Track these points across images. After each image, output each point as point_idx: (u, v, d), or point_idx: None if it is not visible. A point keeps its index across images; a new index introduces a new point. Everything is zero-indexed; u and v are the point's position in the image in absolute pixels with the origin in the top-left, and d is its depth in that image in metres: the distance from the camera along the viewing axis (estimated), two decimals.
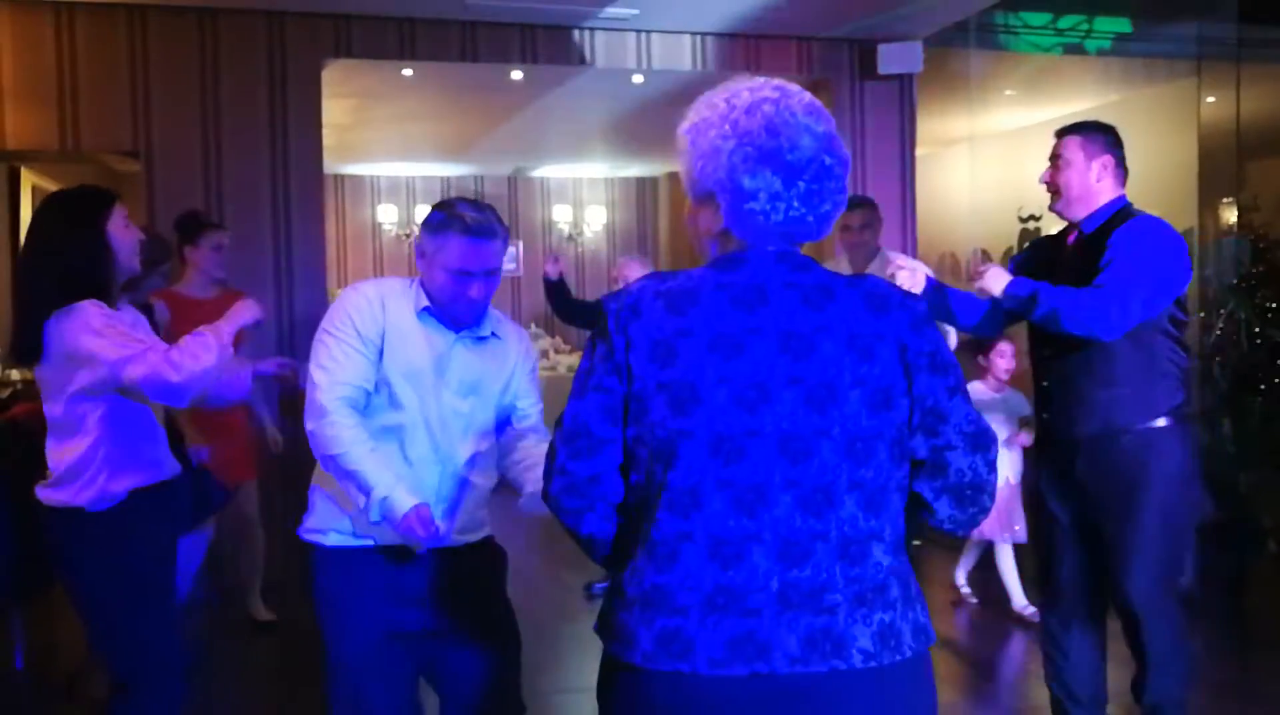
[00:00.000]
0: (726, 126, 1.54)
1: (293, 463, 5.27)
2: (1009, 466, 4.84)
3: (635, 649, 1.50)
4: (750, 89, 1.57)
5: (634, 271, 5.15)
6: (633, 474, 1.56)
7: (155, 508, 2.77)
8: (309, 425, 2.36)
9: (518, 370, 2.57)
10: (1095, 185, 3.12)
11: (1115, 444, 3.04)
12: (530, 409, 2.60)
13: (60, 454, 2.70)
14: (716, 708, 1.47)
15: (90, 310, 2.61)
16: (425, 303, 2.43)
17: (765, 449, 1.48)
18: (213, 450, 4.16)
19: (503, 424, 2.57)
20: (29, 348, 2.64)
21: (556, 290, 5.35)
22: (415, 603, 2.46)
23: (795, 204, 1.53)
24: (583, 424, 1.54)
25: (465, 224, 2.35)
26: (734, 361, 1.48)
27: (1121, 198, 3.14)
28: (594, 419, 1.54)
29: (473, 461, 2.49)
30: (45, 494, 2.72)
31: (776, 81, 1.59)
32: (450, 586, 2.47)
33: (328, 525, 2.47)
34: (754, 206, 1.53)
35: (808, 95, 1.59)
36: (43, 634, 4.56)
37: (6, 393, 5.55)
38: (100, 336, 2.57)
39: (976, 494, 1.60)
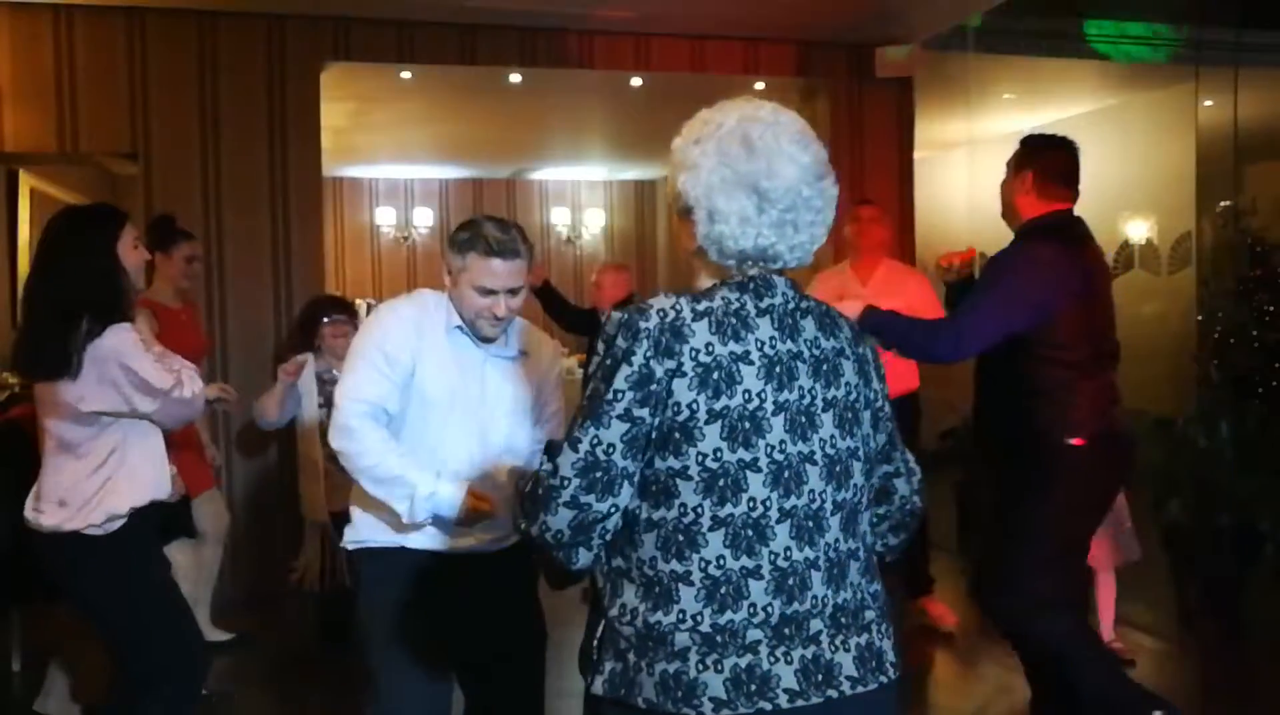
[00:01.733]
0: (710, 145, 1.52)
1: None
2: None
3: (699, 699, 1.41)
4: (743, 111, 1.55)
5: (610, 279, 5.12)
6: (656, 509, 1.47)
7: (152, 524, 2.80)
8: (336, 445, 2.42)
9: (545, 383, 2.61)
10: (1018, 200, 3.13)
11: (1003, 461, 3.13)
12: (553, 418, 2.63)
13: (64, 474, 2.69)
14: None
15: (132, 335, 2.64)
16: (457, 321, 2.47)
17: (817, 475, 1.48)
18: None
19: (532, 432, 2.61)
20: (55, 364, 2.61)
21: (544, 296, 5.26)
22: (452, 605, 2.50)
23: (764, 231, 1.51)
24: (605, 455, 1.44)
25: (488, 243, 2.39)
26: (787, 387, 1.47)
27: (1042, 217, 3.07)
28: (619, 450, 1.44)
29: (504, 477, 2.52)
30: (44, 519, 2.70)
31: (774, 105, 1.57)
32: (484, 591, 2.51)
33: (369, 534, 2.51)
34: (724, 229, 1.51)
35: (802, 123, 1.57)
36: (39, 636, 4.55)
37: (4, 396, 5.53)
38: (154, 363, 2.63)
39: (910, 520, 1.68)
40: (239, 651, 4.62)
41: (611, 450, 1.44)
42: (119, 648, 2.81)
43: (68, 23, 5.33)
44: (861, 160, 6.54)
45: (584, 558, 1.50)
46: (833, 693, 1.45)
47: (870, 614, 1.53)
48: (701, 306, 1.48)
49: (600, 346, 1.50)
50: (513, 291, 2.42)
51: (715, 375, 1.43)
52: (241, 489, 5.53)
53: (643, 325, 1.45)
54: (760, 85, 6.61)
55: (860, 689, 1.47)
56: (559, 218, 11.54)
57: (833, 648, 1.47)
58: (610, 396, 1.44)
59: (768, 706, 1.41)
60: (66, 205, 2.90)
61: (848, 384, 1.53)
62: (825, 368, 1.51)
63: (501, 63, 5.98)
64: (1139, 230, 8.21)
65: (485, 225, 2.43)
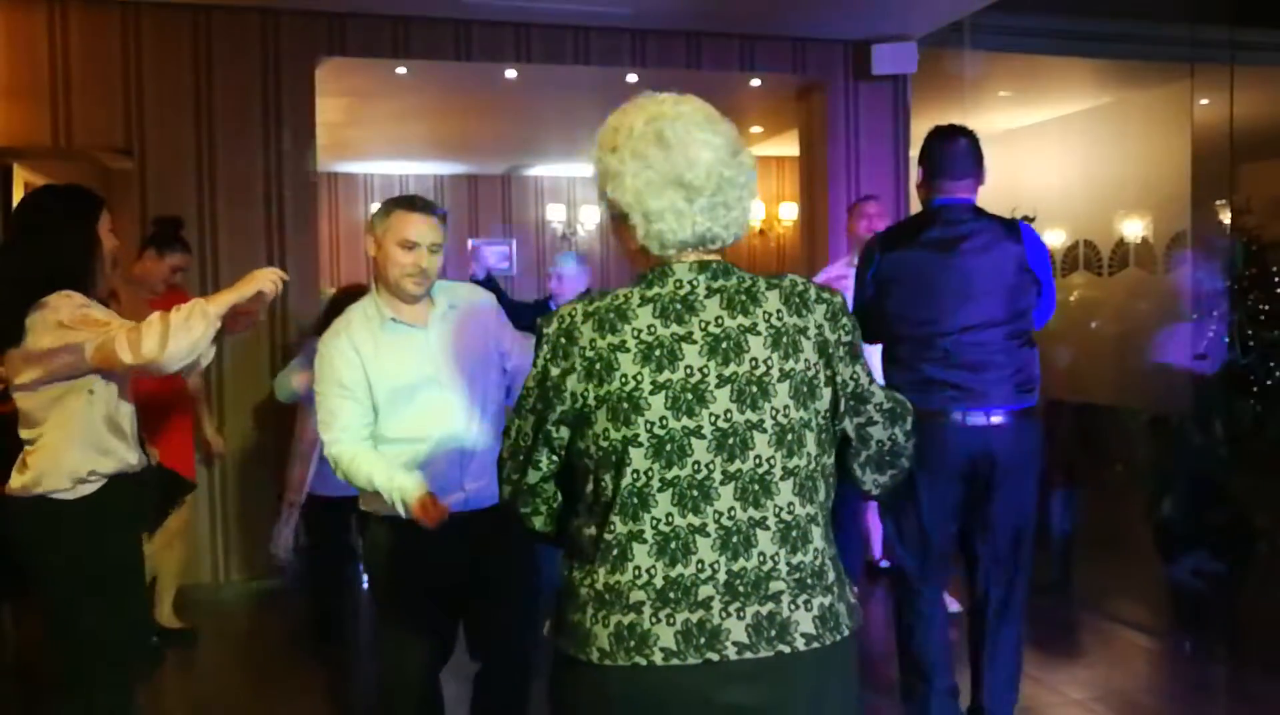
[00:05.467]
0: (627, 151, 1.62)
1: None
2: None
3: (591, 647, 1.57)
4: (648, 111, 1.64)
5: (570, 271, 5.14)
6: (584, 485, 1.65)
7: (124, 500, 2.78)
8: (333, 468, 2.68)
9: (490, 326, 2.80)
10: (918, 193, 3.33)
11: None
12: (516, 353, 2.82)
13: (30, 441, 2.70)
14: (670, 697, 1.54)
15: (59, 303, 2.62)
16: (390, 313, 2.67)
17: (705, 447, 1.57)
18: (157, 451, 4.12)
19: (506, 380, 2.83)
20: (6, 334, 2.63)
21: (487, 288, 5.25)
22: (451, 562, 2.66)
23: (699, 218, 1.62)
24: (524, 440, 1.69)
25: (410, 200, 2.69)
26: (669, 368, 1.57)
27: (926, 208, 3.26)
28: (531, 436, 1.68)
29: (488, 429, 2.72)
30: (15, 483, 2.72)
31: (674, 97, 1.67)
32: (478, 547, 2.69)
33: (373, 503, 2.68)
34: (662, 227, 1.62)
35: (706, 107, 1.66)
36: (32, 630, 4.54)
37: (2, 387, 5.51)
38: (69, 328, 2.59)
39: (895, 459, 1.79)
40: (227, 646, 4.61)
41: (527, 437, 1.68)
42: (58, 631, 2.77)
43: (62, 16, 5.32)
44: (858, 157, 6.54)
45: (539, 522, 1.77)
46: (712, 655, 1.53)
47: (779, 584, 1.57)
48: (591, 307, 1.63)
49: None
50: (434, 247, 2.64)
51: (598, 366, 1.59)
52: (234, 473, 5.52)
53: (546, 331, 1.65)
54: (756, 82, 6.61)
55: (750, 655, 1.54)
56: (554, 214, 11.54)
57: (723, 614, 1.54)
58: (525, 393, 1.68)
59: (642, 662, 1.54)
60: (45, 184, 2.89)
61: (753, 359, 1.59)
62: (725, 345, 1.59)
63: (497, 58, 5.98)
64: (1134, 228, 8.22)
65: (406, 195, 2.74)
